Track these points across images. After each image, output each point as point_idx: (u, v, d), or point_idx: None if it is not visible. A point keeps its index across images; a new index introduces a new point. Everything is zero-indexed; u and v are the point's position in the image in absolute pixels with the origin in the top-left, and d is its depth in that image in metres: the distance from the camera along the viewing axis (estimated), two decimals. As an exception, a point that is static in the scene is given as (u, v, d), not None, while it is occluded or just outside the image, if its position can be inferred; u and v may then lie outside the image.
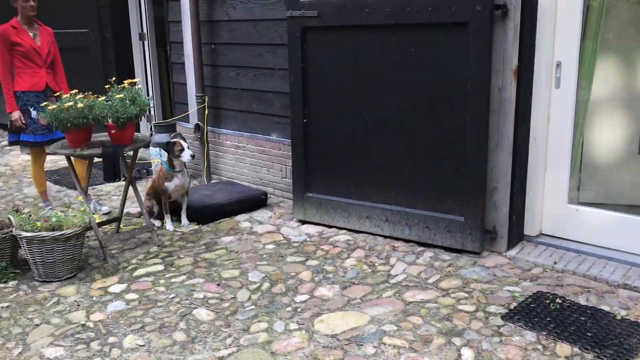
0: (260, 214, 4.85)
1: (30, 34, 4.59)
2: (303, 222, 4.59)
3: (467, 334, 2.97)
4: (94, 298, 3.49)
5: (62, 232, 3.62)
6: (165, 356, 2.88)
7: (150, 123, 6.94)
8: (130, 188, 4.28)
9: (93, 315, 3.29)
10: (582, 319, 3.03)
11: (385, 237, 4.20)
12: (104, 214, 4.97)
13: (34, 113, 4.60)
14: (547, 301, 3.22)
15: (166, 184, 4.47)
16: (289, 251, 4.08)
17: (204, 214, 4.69)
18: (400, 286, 3.50)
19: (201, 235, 4.44)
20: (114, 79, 4.05)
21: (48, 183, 5.47)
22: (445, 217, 3.90)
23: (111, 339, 3.04)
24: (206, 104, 5.58)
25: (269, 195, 5.14)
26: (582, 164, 3.89)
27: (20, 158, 7.03)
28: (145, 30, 7.02)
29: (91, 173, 4.35)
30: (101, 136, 4.20)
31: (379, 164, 4.13)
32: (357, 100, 4.13)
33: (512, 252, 3.83)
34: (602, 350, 2.76)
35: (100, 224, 4.24)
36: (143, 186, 5.52)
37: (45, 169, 5.03)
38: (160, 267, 3.88)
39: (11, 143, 4.80)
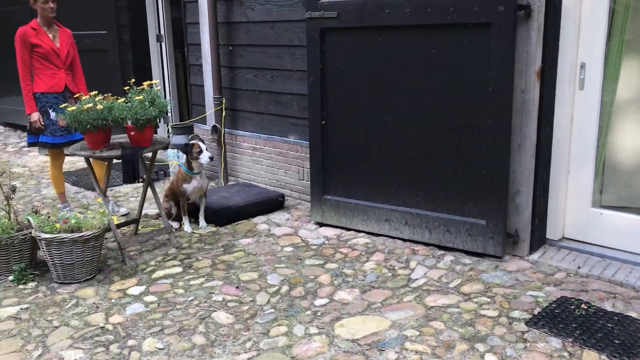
0: (278, 216, 4.82)
1: (49, 35, 4.61)
2: (321, 224, 4.56)
3: (491, 339, 2.91)
4: (113, 300, 3.48)
5: (81, 234, 3.62)
6: (185, 360, 2.86)
7: (167, 125, 6.96)
8: (149, 190, 4.27)
9: (112, 317, 3.28)
10: (609, 325, 2.97)
11: (404, 240, 4.15)
12: (122, 216, 4.97)
13: (53, 114, 4.61)
14: (572, 307, 3.16)
15: (185, 185, 4.46)
16: (307, 254, 4.05)
17: (221, 216, 4.67)
18: (421, 290, 3.45)
19: (219, 237, 4.42)
20: (133, 80, 4.04)
21: (66, 184, 5.49)
22: (467, 221, 3.84)
23: (130, 342, 3.02)
24: (223, 105, 5.57)
25: (286, 197, 5.12)
26: (605, 167, 3.81)
27: (38, 159, 7.07)
28: (162, 32, 7.03)
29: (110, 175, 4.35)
30: (120, 138, 4.19)
31: (398, 166, 4.08)
32: (376, 101, 4.09)
33: (535, 256, 3.77)
34: (631, 358, 2.69)
35: (118, 226, 4.23)
36: (160, 187, 5.51)
37: (63, 170, 5.04)
38: (179, 269, 3.86)
39: (30, 144, 4.81)
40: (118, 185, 5.80)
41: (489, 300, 3.30)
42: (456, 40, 3.68)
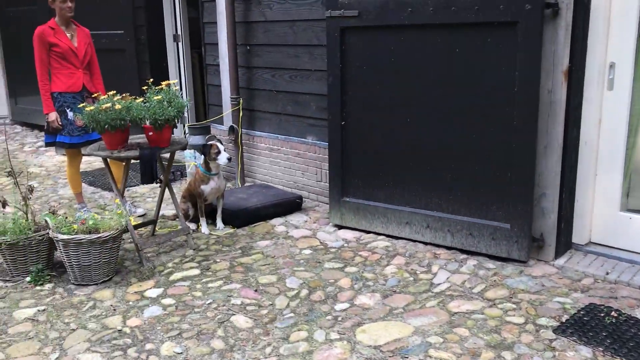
0: (296, 218, 4.76)
1: (67, 34, 4.58)
2: (339, 227, 4.49)
3: (518, 347, 2.83)
4: (130, 302, 3.43)
5: (99, 235, 3.58)
6: (204, 365, 2.80)
7: (184, 125, 6.92)
8: (166, 190, 4.23)
9: (129, 320, 3.23)
10: (641, 334, 2.87)
11: (425, 243, 4.06)
12: (139, 216, 4.94)
13: (70, 114, 4.58)
14: (602, 314, 3.06)
15: (202, 186, 4.41)
16: (326, 257, 3.98)
17: (239, 218, 4.61)
18: (444, 295, 3.37)
19: (237, 239, 4.36)
20: (151, 80, 4.00)
21: (83, 184, 5.46)
22: (490, 224, 3.75)
23: (148, 346, 2.97)
24: (241, 105, 5.52)
25: (303, 198, 5.05)
26: (634, 169, 3.70)
27: (55, 159, 7.07)
28: (179, 32, 7.01)
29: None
30: (138, 138, 4.15)
31: (419, 168, 4.00)
32: (397, 102, 4.01)
33: (560, 261, 3.67)
34: (665, 368, 2.60)
35: (136, 227, 4.19)
36: (177, 188, 5.47)
37: (80, 170, 5.01)
38: (197, 272, 3.81)
39: (47, 144, 4.79)
40: (135, 186, 5.77)
41: (514, 306, 3.21)
42: (481, 39, 3.59)
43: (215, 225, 4.60)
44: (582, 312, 3.09)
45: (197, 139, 5.63)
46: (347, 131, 4.29)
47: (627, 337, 2.85)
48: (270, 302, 3.37)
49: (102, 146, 4.03)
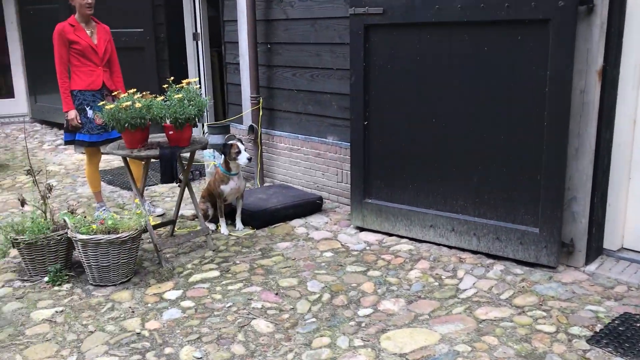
0: (316, 220, 4.67)
1: (87, 32, 4.53)
2: (361, 229, 4.39)
3: (550, 358, 2.71)
4: (149, 305, 3.37)
5: (118, 235, 3.52)
6: (224, 371, 2.73)
7: (203, 124, 6.88)
8: (185, 190, 4.17)
9: (148, 323, 3.16)
10: (680, 346, 2.74)
11: (450, 247, 3.96)
12: (157, 216, 4.89)
13: (90, 112, 4.54)
14: (638, 324, 2.93)
15: (222, 186, 4.34)
16: (348, 260, 3.89)
17: (259, 218, 4.54)
18: (470, 302, 3.26)
19: (256, 241, 4.29)
20: (172, 78, 3.93)
21: (102, 183, 5.42)
22: (518, 228, 3.63)
23: (167, 350, 2.90)
24: (261, 105, 5.45)
25: (324, 199, 4.96)
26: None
27: (73, 157, 7.05)
28: (199, 30, 6.96)
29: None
30: (157, 137, 4.09)
31: (445, 170, 3.89)
32: (422, 102, 3.91)
33: (591, 268, 3.55)
34: None
35: (155, 227, 4.14)
36: (196, 188, 5.40)
37: (99, 169, 4.97)
38: (216, 273, 3.74)
39: (67, 142, 4.74)
40: (153, 185, 5.72)
41: (544, 314, 3.10)
42: (510, 37, 3.47)
43: (234, 225, 4.53)
44: (616, 322, 2.97)
45: (216, 138, 5.57)
46: (370, 131, 4.19)
47: (666, 349, 2.73)
48: (292, 306, 3.29)
49: (122, 145, 3.98)
